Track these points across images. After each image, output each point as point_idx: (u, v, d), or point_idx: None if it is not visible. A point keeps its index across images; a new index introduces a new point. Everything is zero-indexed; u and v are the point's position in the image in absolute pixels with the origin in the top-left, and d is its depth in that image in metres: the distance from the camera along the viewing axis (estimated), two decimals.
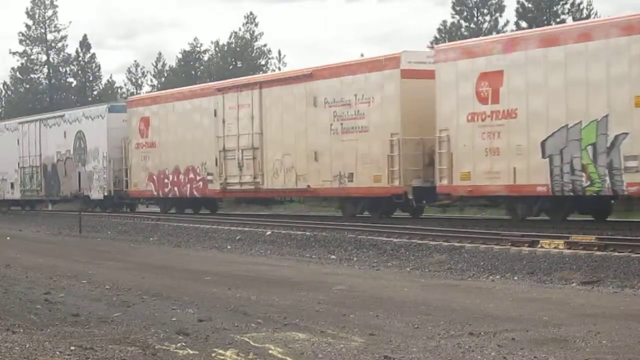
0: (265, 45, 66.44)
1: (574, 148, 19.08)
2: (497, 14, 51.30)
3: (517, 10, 47.93)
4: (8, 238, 26.04)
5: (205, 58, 67.57)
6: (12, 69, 76.01)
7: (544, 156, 19.65)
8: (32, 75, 75.31)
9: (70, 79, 75.46)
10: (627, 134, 18.15)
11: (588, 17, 45.45)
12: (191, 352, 8.07)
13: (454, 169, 21.65)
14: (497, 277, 14.42)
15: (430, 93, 22.17)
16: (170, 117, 32.11)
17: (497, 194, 21.57)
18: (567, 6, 47.64)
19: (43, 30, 74.08)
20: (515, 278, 14.17)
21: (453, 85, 21.60)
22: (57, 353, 7.92)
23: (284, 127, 26.66)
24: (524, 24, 46.23)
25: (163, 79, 69.97)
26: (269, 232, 22.80)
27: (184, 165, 31.27)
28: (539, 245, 16.53)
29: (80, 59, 74.17)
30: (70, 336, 8.90)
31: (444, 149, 21.80)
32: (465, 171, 21.44)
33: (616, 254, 15.00)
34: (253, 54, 65.95)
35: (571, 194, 19.49)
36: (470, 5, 51.59)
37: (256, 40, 66.16)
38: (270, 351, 8.08)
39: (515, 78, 20.19)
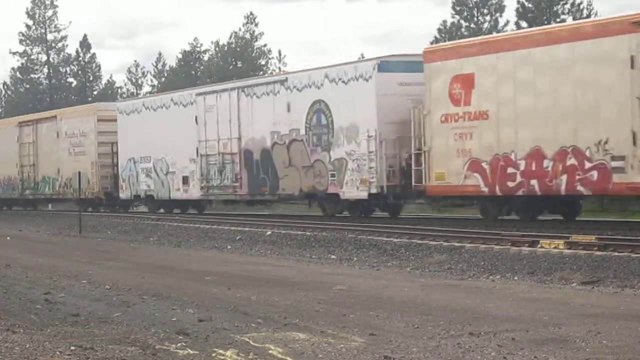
0: (265, 45, 66.45)
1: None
2: (497, 14, 51.29)
3: (517, 10, 47.92)
4: (8, 238, 26.04)
5: (205, 58, 67.56)
6: (12, 69, 76.09)
7: None
8: (32, 75, 75.31)
9: (70, 79, 75.48)
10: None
11: (588, 16, 45.45)
12: (191, 352, 8.08)
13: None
14: (497, 277, 14.42)
15: None
16: (523, 72, 20.60)
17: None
18: (567, 6, 47.63)
19: (43, 30, 74.09)
20: (515, 278, 14.17)
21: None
22: (57, 353, 7.92)
23: None
24: (524, 24, 46.21)
25: (163, 79, 69.96)
26: (269, 232, 22.79)
27: (553, 146, 19.63)
28: (539, 245, 16.52)
29: (80, 59, 74.18)
30: (70, 336, 8.90)
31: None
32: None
33: (616, 254, 14.99)
34: (253, 54, 65.95)
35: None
36: (470, 5, 51.57)
37: (256, 40, 66.16)
38: (270, 351, 8.09)
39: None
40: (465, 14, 51.65)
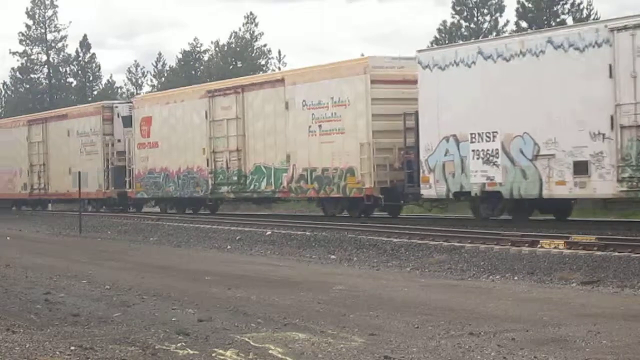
0: (265, 45, 66.44)
1: None
2: (497, 14, 51.24)
3: (517, 10, 47.88)
4: (8, 238, 26.04)
5: (205, 58, 67.57)
6: (12, 69, 76.03)
7: None
8: (32, 75, 75.29)
9: (70, 79, 75.46)
10: None
11: (588, 17, 45.45)
12: (191, 352, 8.08)
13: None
14: (497, 277, 14.42)
15: None
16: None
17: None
18: (567, 6, 47.61)
19: (43, 30, 74.09)
20: (515, 278, 14.17)
21: None
22: (57, 353, 7.92)
23: None
24: (524, 24, 46.21)
25: (163, 79, 69.96)
26: (269, 232, 22.80)
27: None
28: (539, 245, 16.52)
29: (80, 59, 74.17)
30: (70, 336, 8.90)
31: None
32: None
33: (616, 254, 14.99)
34: (253, 54, 65.94)
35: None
36: (470, 5, 51.53)
37: (256, 40, 66.15)
38: (270, 351, 8.09)
39: None
40: (465, 14, 51.61)
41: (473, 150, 20.90)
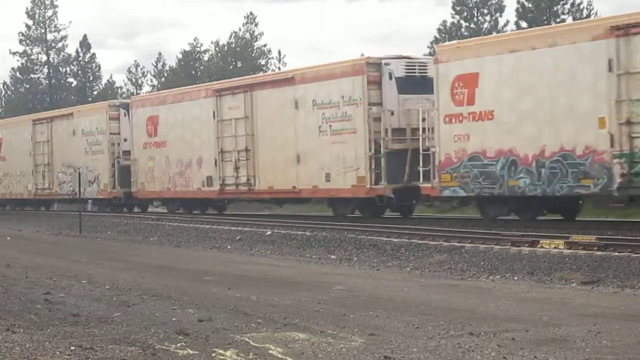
0: (265, 45, 66.50)
1: None
2: (497, 14, 51.32)
3: (517, 10, 47.94)
4: (8, 238, 26.03)
5: (205, 58, 67.58)
6: (12, 69, 76.11)
7: None
8: (32, 75, 75.32)
9: (70, 79, 75.50)
10: None
11: (588, 16, 45.45)
12: (191, 352, 8.07)
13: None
14: (497, 277, 14.42)
15: None
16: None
17: None
18: (567, 6, 47.64)
19: (43, 30, 74.12)
20: (515, 278, 14.17)
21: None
22: (57, 353, 7.92)
23: None
24: (524, 24, 46.22)
25: (163, 79, 69.97)
26: (269, 232, 22.79)
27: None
28: (539, 245, 16.53)
29: (80, 59, 74.20)
30: (70, 336, 8.90)
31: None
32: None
33: (616, 254, 14.99)
34: (253, 54, 65.96)
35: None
36: (470, 5, 51.58)
37: (256, 40, 66.19)
38: (270, 351, 8.08)
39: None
40: (465, 14, 51.66)
41: None
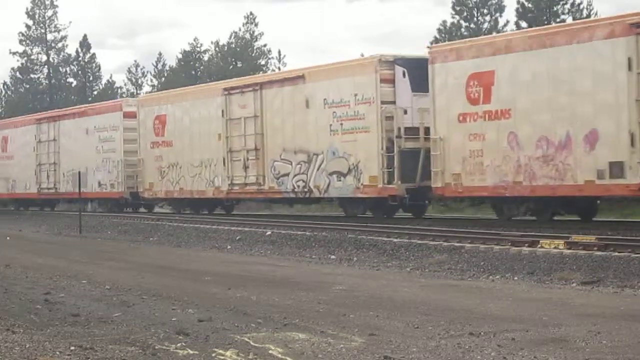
0: (265, 45, 66.45)
1: None
2: (497, 14, 51.26)
3: (517, 10, 47.91)
4: (8, 238, 26.04)
5: (205, 58, 67.57)
6: (12, 69, 76.01)
7: None
8: (32, 75, 75.27)
9: (70, 79, 75.45)
10: None
11: (588, 16, 45.44)
12: (191, 352, 8.07)
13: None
14: (497, 277, 14.42)
15: None
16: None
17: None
18: (567, 6, 47.63)
19: (43, 30, 74.08)
20: (515, 278, 14.17)
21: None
22: (57, 353, 7.92)
23: None
24: (524, 24, 46.21)
25: (163, 79, 69.96)
26: (269, 232, 22.79)
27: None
28: (539, 245, 16.52)
29: (80, 59, 74.16)
30: (70, 336, 8.90)
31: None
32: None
33: (616, 254, 14.99)
34: (253, 54, 65.95)
35: None
36: (470, 5, 51.54)
37: (256, 40, 66.17)
38: (270, 351, 8.08)
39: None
40: (465, 14, 51.62)
41: None
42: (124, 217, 32.49)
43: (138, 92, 70.75)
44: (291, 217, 27.93)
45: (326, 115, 25.28)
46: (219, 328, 9.33)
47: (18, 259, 18.49)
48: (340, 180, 24.94)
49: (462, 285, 13.37)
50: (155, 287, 13.09)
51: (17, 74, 75.47)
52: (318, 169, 25.72)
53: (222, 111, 29.24)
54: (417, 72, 23.11)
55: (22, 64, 74.67)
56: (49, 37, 73.95)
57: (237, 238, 22.58)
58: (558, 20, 45.87)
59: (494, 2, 51.22)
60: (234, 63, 64.79)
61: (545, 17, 46.91)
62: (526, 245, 16.71)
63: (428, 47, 23.73)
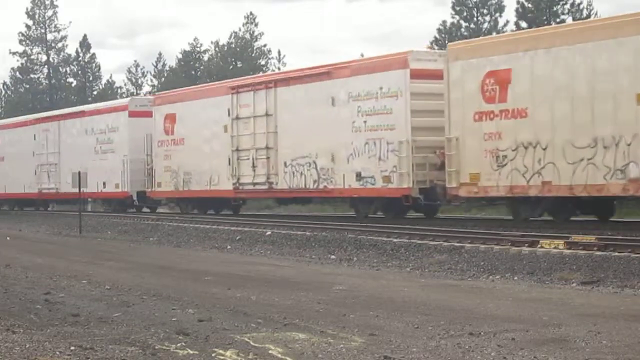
0: (265, 45, 66.47)
1: None
2: (497, 14, 51.27)
3: (517, 11, 47.91)
4: (8, 238, 26.04)
5: (205, 58, 67.58)
6: (12, 69, 76.09)
7: None
8: (32, 75, 75.31)
9: (70, 79, 75.51)
10: None
11: (588, 17, 45.45)
12: (191, 352, 8.07)
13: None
14: (497, 277, 14.42)
15: None
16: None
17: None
18: (567, 6, 47.63)
19: (43, 30, 74.12)
20: (515, 278, 14.17)
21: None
22: (57, 353, 7.92)
23: None
24: (524, 24, 46.22)
25: (163, 79, 69.96)
26: (269, 232, 22.79)
27: None
28: (539, 245, 16.52)
29: (80, 59, 74.20)
30: (70, 336, 8.90)
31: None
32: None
33: (616, 254, 14.99)
34: (253, 54, 65.96)
35: None
36: (470, 5, 51.55)
37: (256, 40, 66.18)
38: (270, 351, 8.08)
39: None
40: (465, 14, 51.63)
41: None
42: (124, 217, 32.48)
43: (138, 92, 70.75)
44: (291, 217, 27.93)
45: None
46: (219, 328, 9.33)
47: (18, 259, 18.49)
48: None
49: (462, 285, 13.37)
50: (155, 287, 13.09)
51: (17, 74, 75.52)
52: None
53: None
54: None
55: (22, 64, 74.74)
56: (49, 37, 74.04)
57: (237, 238, 22.58)
58: (558, 20, 45.87)
59: (494, 2, 51.23)
60: (234, 63, 64.80)
61: (545, 17, 46.92)
62: (526, 245, 16.71)
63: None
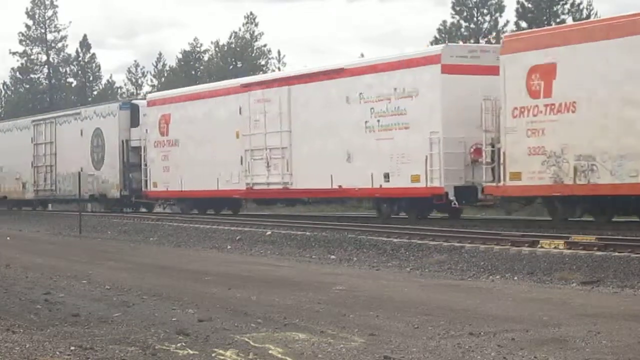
0: (265, 45, 66.53)
1: None
2: (497, 14, 51.31)
3: (517, 11, 47.94)
4: (8, 238, 26.03)
5: (205, 58, 67.59)
6: (12, 69, 76.15)
7: None
8: (32, 75, 75.34)
9: (70, 79, 75.55)
10: None
11: (588, 17, 45.47)
12: (191, 352, 8.07)
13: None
14: (497, 277, 14.41)
15: None
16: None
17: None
18: (567, 6, 47.65)
19: (43, 30, 74.13)
20: (515, 278, 14.17)
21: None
22: (57, 353, 7.92)
23: None
24: (523, 24, 46.24)
25: (163, 79, 69.97)
26: (269, 232, 22.79)
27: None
28: (539, 245, 16.53)
29: (80, 59, 74.24)
30: (70, 336, 8.90)
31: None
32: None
33: (616, 254, 14.99)
34: (253, 54, 65.98)
35: None
36: (470, 5, 51.58)
37: (256, 40, 66.22)
38: (270, 351, 8.08)
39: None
40: (465, 14, 51.66)
41: None
42: (124, 217, 32.48)
43: (138, 92, 70.79)
44: (291, 217, 27.92)
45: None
46: (219, 328, 9.33)
47: (18, 259, 18.48)
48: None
49: (462, 285, 13.36)
50: (155, 287, 13.08)
51: (17, 74, 75.57)
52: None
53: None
54: None
55: (22, 64, 74.77)
56: (49, 37, 74.06)
57: (237, 238, 22.58)
58: (558, 20, 45.89)
59: (494, 2, 51.27)
60: (234, 63, 64.81)
61: (545, 17, 46.94)
62: (526, 245, 16.71)
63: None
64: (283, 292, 12.40)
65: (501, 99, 20.82)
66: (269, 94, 27.49)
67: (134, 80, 74.49)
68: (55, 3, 74.10)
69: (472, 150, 22.17)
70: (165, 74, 70.45)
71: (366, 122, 24.18)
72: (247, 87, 28.78)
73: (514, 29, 46.40)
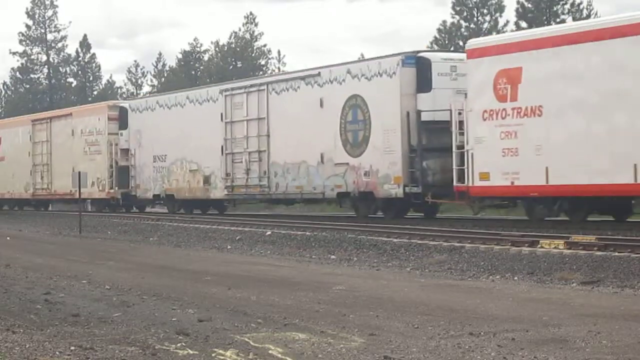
0: (265, 45, 66.52)
1: None
2: (497, 14, 51.32)
3: (517, 11, 47.95)
4: (8, 238, 26.03)
5: (205, 58, 67.58)
6: (12, 69, 76.22)
7: None
8: (32, 75, 75.37)
9: (70, 79, 75.57)
10: None
11: (588, 17, 45.47)
12: (191, 352, 8.07)
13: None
14: (497, 277, 14.41)
15: None
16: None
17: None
18: (567, 6, 47.64)
19: (43, 30, 74.16)
20: (515, 278, 14.16)
21: None
22: (57, 353, 7.92)
23: None
24: (523, 24, 46.24)
25: (163, 79, 69.97)
26: (269, 232, 22.79)
27: None
28: (539, 245, 16.52)
29: (80, 59, 74.25)
30: (70, 336, 8.90)
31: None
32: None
33: (616, 254, 14.99)
34: (253, 54, 65.97)
35: None
36: (470, 5, 51.58)
37: (256, 40, 66.22)
38: (270, 351, 8.08)
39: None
40: (465, 14, 51.66)
41: None
42: (124, 217, 32.48)
43: (138, 92, 70.80)
44: (291, 217, 27.91)
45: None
46: (219, 328, 9.33)
47: (18, 259, 18.49)
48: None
49: (462, 285, 13.36)
50: (155, 287, 13.08)
51: (17, 74, 75.60)
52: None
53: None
54: None
55: (22, 64, 74.80)
56: (49, 37, 74.08)
57: (237, 238, 22.57)
58: (558, 20, 45.89)
59: (494, 2, 51.26)
60: (234, 63, 64.81)
61: (545, 17, 46.93)
62: (526, 245, 16.71)
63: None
64: (283, 292, 12.40)
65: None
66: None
67: (134, 80, 74.54)
68: (55, 3, 74.23)
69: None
70: (165, 74, 70.46)
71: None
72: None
73: (514, 29, 46.41)
